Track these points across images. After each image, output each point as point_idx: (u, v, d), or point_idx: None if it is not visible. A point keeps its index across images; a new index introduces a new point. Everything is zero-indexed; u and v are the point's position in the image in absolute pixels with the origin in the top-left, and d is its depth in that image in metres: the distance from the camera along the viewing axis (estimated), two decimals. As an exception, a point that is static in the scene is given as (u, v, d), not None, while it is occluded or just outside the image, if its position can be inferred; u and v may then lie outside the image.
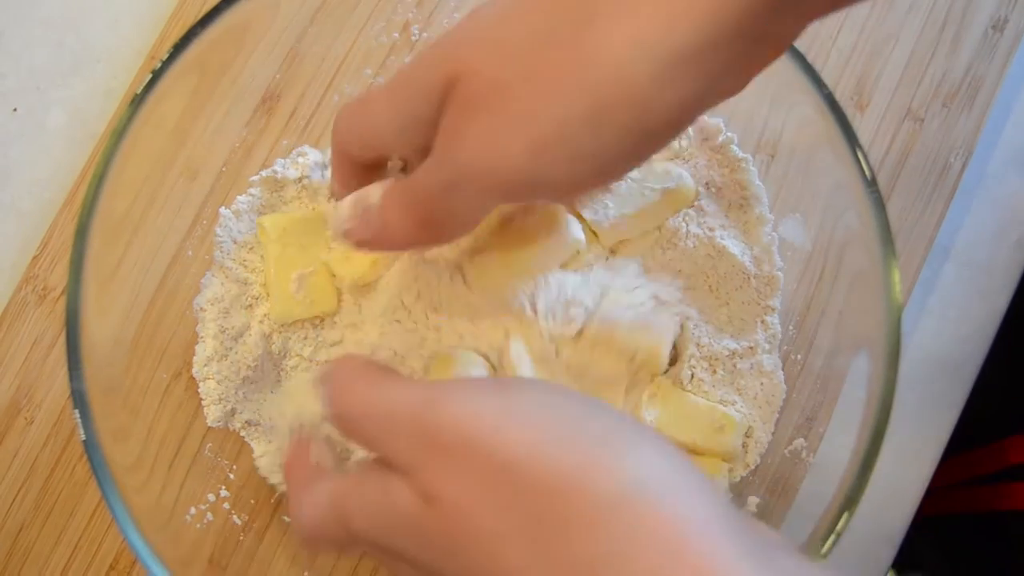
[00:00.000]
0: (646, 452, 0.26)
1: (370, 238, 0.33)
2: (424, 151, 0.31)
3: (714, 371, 0.45)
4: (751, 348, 0.44)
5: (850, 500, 0.36)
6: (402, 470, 0.27)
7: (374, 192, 0.33)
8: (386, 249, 0.34)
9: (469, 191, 0.29)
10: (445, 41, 0.29)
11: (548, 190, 0.29)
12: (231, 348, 0.44)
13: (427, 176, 0.30)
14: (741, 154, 0.45)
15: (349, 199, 0.34)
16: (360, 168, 0.35)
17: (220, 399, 0.44)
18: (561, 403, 0.27)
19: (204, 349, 0.44)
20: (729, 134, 0.45)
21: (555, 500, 0.25)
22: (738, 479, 0.44)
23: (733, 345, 0.45)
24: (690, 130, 0.45)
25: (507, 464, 0.25)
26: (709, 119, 0.45)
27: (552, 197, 0.30)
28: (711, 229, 0.45)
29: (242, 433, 0.45)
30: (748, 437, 0.44)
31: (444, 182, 0.29)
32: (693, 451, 0.44)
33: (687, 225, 0.45)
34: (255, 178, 0.45)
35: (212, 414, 0.44)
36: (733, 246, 0.45)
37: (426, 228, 0.31)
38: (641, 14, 0.25)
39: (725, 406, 0.44)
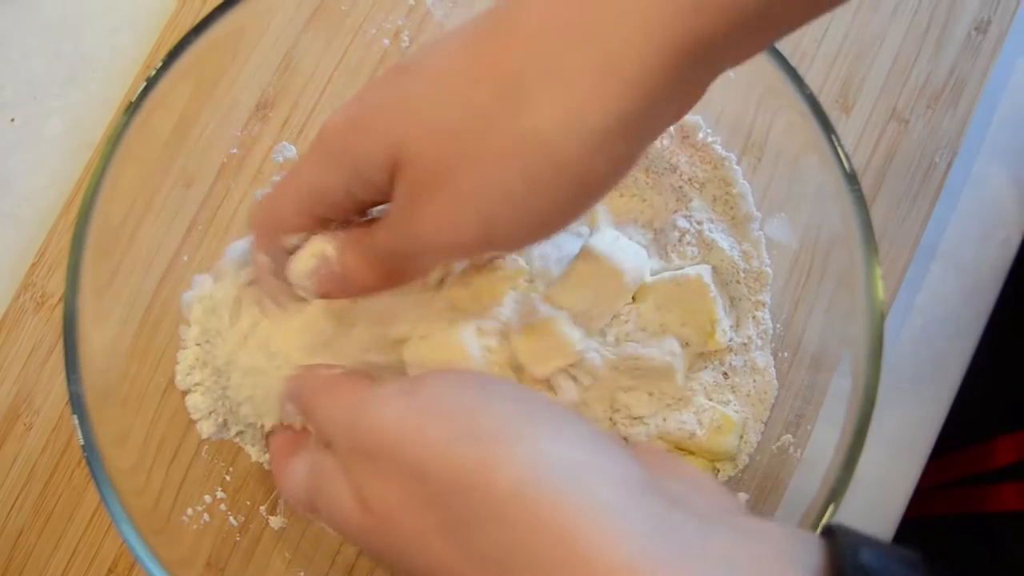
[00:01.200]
0: (542, 441, 0.26)
1: (332, 289, 0.35)
2: (365, 207, 0.34)
3: (708, 367, 0.45)
4: (744, 344, 0.45)
5: (835, 492, 0.36)
6: (344, 470, 0.30)
7: (327, 246, 0.35)
8: (347, 296, 0.36)
9: (429, 256, 0.32)
10: (382, 116, 0.30)
11: (502, 248, 0.32)
12: (210, 352, 0.44)
13: (387, 241, 0.32)
14: (724, 152, 0.46)
15: (305, 254, 0.35)
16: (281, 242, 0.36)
17: (210, 412, 0.44)
18: (459, 396, 0.29)
19: (186, 357, 0.44)
20: (713, 136, 0.46)
21: (460, 497, 0.26)
22: (726, 478, 0.44)
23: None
24: (671, 128, 0.46)
25: (416, 466, 0.27)
26: (688, 116, 0.46)
27: (505, 251, 0.34)
28: (699, 223, 0.46)
29: (236, 439, 0.45)
30: (740, 437, 0.45)
31: (405, 249, 0.32)
32: (687, 451, 0.44)
33: (675, 219, 0.46)
34: (277, 178, 0.46)
35: (205, 429, 0.44)
36: (722, 240, 0.45)
37: (388, 280, 0.34)
38: (566, 90, 0.27)
39: (722, 405, 0.44)
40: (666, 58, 0.26)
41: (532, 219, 0.29)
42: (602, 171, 0.28)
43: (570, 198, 0.29)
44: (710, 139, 0.46)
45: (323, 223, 0.35)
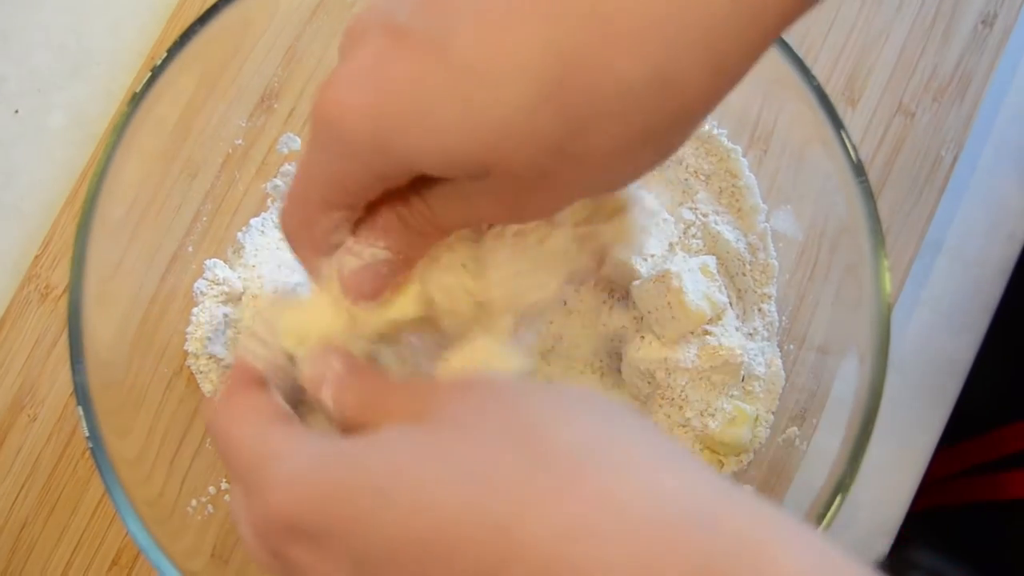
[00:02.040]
0: (581, 493, 0.22)
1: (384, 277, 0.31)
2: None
3: None
4: (750, 335, 0.45)
5: (841, 486, 0.36)
6: None
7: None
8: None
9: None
10: (440, 114, 0.25)
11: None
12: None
13: (454, 215, 0.30)
14: (730, 144, 0.46)
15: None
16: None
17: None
18: (472, 442, 0.24)
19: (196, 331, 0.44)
20: (719, 128, 0.46)
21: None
22: (731, 472, 0.44)
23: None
24: None
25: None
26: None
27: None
28: (704, 215, 0.46)
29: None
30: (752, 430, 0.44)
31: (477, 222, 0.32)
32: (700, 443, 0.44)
33: (680, 211, 0.45)
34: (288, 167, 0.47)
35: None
36: (728, 232, 0.45)
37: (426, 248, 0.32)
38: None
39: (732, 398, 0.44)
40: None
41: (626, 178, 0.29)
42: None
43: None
44: (716, 131, 0.46)
45: (355, 210, 0.30)
